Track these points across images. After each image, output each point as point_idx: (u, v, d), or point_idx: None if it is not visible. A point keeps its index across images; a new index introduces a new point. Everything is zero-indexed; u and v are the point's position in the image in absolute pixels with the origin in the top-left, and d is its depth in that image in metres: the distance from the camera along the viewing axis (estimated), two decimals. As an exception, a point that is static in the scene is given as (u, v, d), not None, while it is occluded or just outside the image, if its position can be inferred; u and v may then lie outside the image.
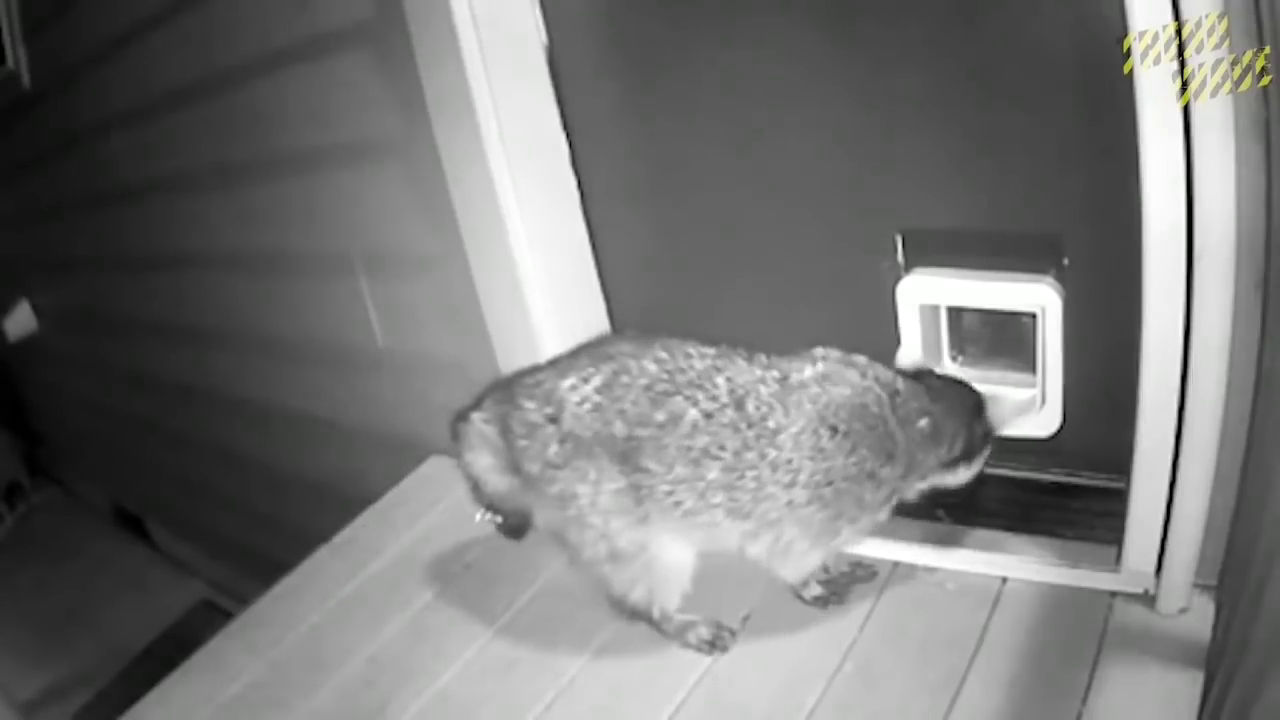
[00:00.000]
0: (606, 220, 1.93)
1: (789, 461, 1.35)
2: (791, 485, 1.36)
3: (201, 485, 3.53)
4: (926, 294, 1.61)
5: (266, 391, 2.83)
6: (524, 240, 1.83)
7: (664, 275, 1.95)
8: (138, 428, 3.81)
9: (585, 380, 1.42)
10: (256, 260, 2.60)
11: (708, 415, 1.36)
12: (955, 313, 1.67)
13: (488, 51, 1.70)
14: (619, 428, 1.39)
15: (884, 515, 1.43)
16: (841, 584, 1.56)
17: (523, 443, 1.45)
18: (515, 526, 1.69)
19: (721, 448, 1.36)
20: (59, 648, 3.69)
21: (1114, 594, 1.47)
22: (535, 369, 1.52)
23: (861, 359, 1.42)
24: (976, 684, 1.38)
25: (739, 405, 1.36)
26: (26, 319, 4.23)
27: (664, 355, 1.41)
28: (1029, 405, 1.58)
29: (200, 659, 1.76)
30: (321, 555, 1.98)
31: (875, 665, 1.45)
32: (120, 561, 4.29)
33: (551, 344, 1.90)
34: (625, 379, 1.40)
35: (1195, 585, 1.41)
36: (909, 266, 1.64)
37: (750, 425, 1.35)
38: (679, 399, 1.37)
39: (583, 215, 1.92)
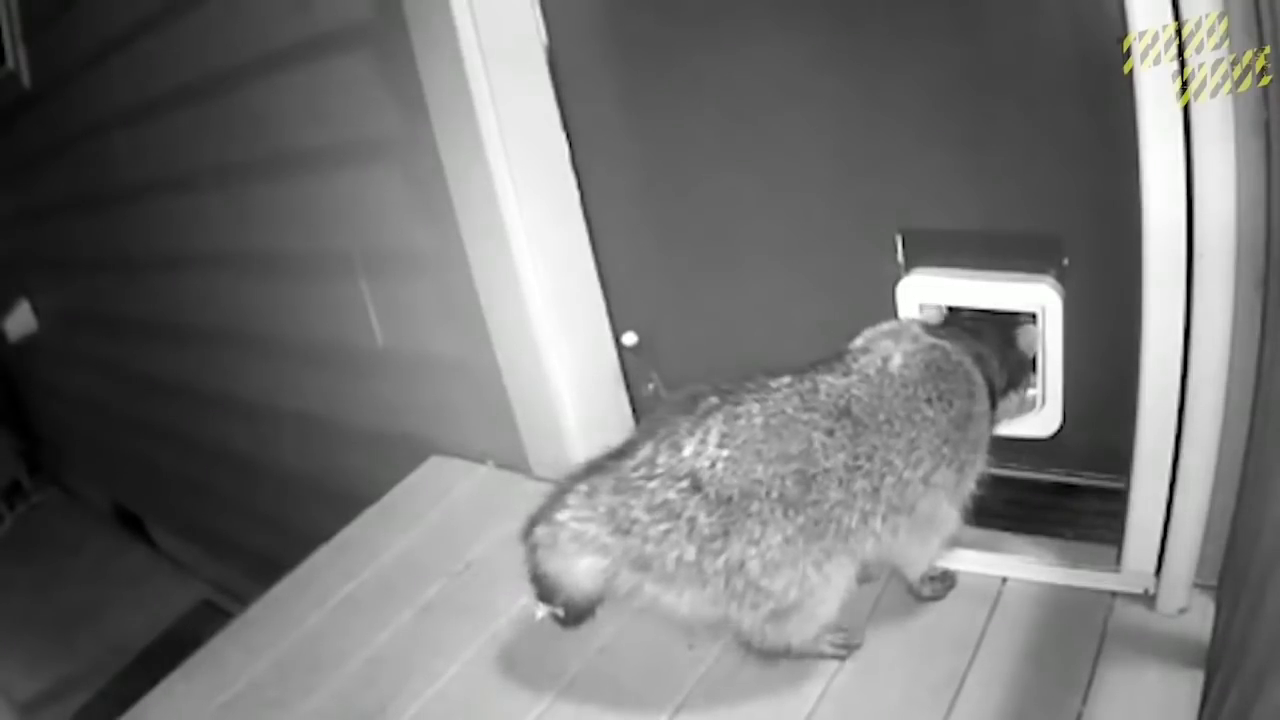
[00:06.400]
0: (606, 220, 1.92)
1: (912, 441, 1.36)
2: (919, 464, 1.37)
3: (201, 485, 3.53)
4: (926, 294, 1.61)
5: (267, 391, 2.83)
6: (524, 240, 1.83)
7: (664, 275, 1.95)
8: (138, 428, 3.81)
9: (704, 440, 1.32)
10: (256, 260, 2.60)
11: (829, 432, 1.33)
12: (955, 312, 1.67)
13: (488, 51, 1.70)
14: (761, 471, 1.31)
15: (984, 455, 1.47)
16: (946, 579, 1.56)
17: (662, 528, 1.31)
18: (580, 616, 1.49)
19: (856, 458, 1.33)
20: (59, 648, 3.69)
21: (1114, 594, 1.47)
22: (615, 456, 1.38)
23: (893, 324, 1.49)
24: (976, 684, 1.38)
25: (848, 413, 1.35)
26: (26, 319, 4.23)
27: (756, 391, 1.36)
28: (1029, 405, 1.58)
29: (200, 659, 1.76)
30: (321, 555, 1.98)
31: (876, 665, 1.45)
32: (120, 561, 4.29)
33: (551, 343, 1.90)
34: (741, 422, 1.33)
35: (1195, 585, 1.41)
36: (909, 266, 1.64)
37: (866, 427, 1.35)
38: (800, 426, 1.33)
39: (583, 215, 1.92)
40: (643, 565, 1.33)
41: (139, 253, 3.17)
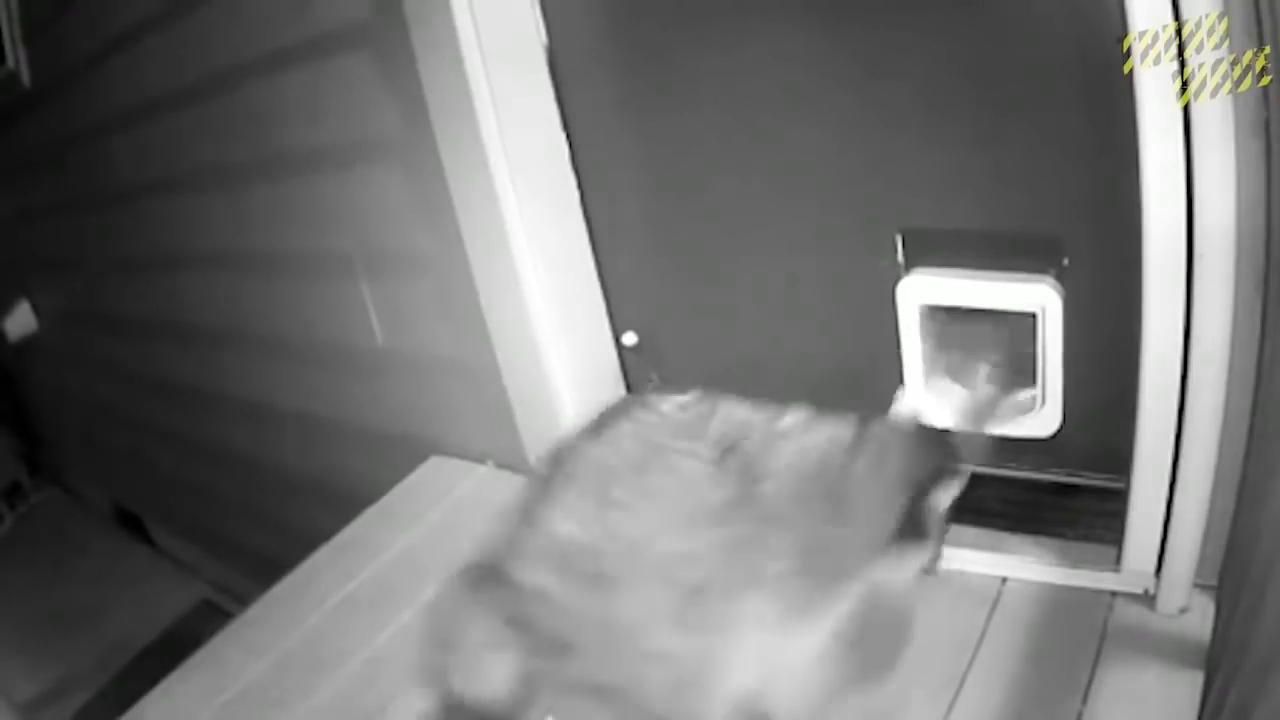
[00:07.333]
0: (606, 220, 1.93)
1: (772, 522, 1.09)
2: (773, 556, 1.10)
3: (201, 485, 3.53)
4: (926, 294, 1.61)
5: (267, 391, 2.82)
6: (524, 240, 1.83)
7: (664, 275, 1.95)
8: (138, 428, 3.81)
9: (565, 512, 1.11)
10: (256, 260, 2.60)
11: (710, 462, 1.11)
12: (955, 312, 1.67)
13: (488, 51, 1.70)
14: (630, 527, 1.09)
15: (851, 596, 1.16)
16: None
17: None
18: None
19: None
20: (59, 648, 3.68)
21: (1114, 594, 1.47)
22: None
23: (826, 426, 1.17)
24: (976, 684, 1.38)
25: (731, 451, 1.12)
26: (26, 319, 4.22)
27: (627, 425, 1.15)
28: (1029, 405, 1.58)
29: (200, 659, 1.76)
30: (321, 555, 1.98)
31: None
32: (120, 561, 4.29)
33: (551, 343, 1.90)
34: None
35: (1195, 585, 1.41)
36: (909, 266, 1.64)
37: (738, 478, 1.10)
38: (673, 456, 1.12)
39: (582, 215, 1.92)
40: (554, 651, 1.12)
41: (139, 253, 3.17)
